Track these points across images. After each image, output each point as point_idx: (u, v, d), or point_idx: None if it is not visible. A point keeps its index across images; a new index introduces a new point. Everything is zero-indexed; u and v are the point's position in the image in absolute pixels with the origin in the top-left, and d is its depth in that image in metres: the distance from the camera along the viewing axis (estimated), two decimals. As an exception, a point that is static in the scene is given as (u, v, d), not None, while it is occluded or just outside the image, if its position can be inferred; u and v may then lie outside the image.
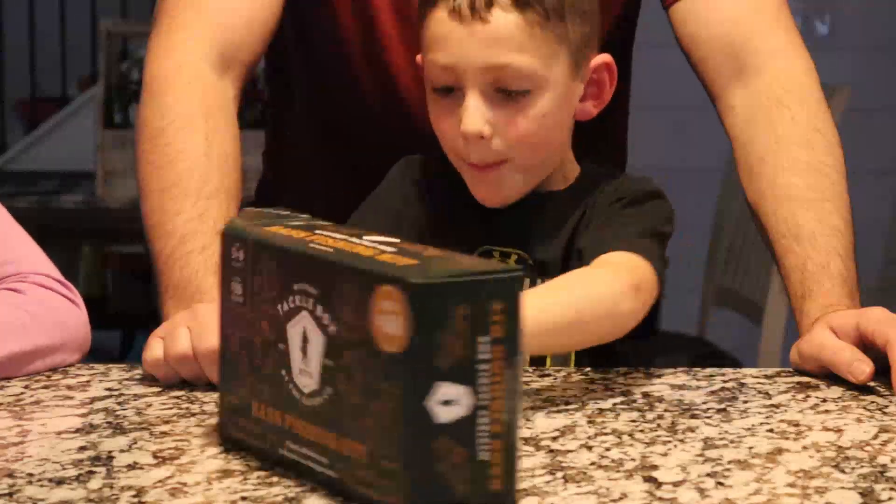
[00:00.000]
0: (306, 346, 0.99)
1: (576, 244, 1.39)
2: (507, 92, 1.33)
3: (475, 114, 1.33)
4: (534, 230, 1.41)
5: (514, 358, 0.93)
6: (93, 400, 1.26)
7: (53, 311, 1.37)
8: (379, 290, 0.92)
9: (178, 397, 1.26)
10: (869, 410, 1.23)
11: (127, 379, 1.33)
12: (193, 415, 1.20)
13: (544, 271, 1.38)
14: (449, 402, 0.91)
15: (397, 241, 1.00)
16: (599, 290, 1.27)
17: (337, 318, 0.97)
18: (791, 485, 1.02)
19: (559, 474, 1.03)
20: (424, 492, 0.91)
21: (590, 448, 1.10)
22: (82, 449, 1.10)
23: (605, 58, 1.39)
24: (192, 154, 1.43)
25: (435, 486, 0.91)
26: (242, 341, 1.07)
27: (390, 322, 0.91)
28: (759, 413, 1.22)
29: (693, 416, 1.20)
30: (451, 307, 0.91)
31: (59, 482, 1.02)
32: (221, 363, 1.10)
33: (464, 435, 0.92)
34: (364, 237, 1.01)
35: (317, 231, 1.04)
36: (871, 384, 1.29)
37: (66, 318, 1.38)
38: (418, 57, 1.42)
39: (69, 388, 1.30)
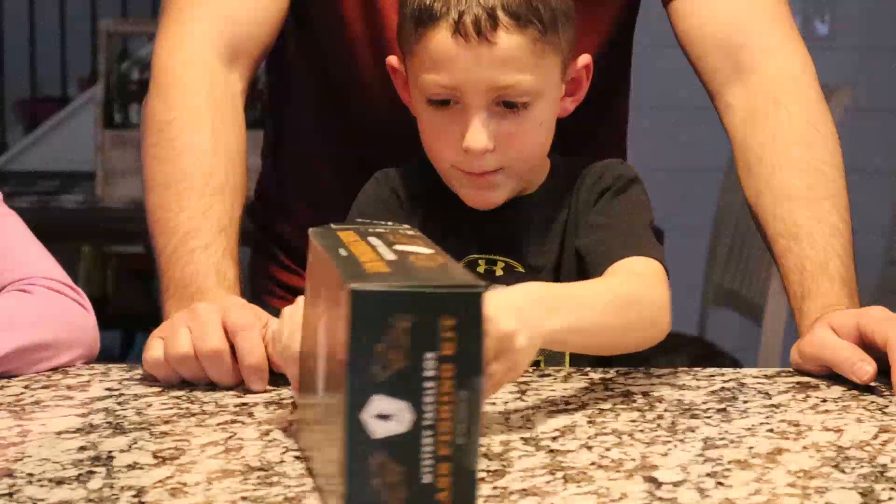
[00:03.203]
0: (322, 351, 0.99)
1: (568, 246, 1.40)
2: (508, 104, 1.34)
3: (481, 130, 1.34)
4: (521, 236, 1.41)
5: (472, 379, 0.88)
6: (93, 400, 1.26)
7: (61, 312, 1.37)
8: (340, 297, 0.90)
9: (178, 397, 1.26)
10: (869, 410, 1.23)
11: (127, 379, 1.33)
12: (193, 415, 1.20)
13: (538, 277, 1.38)
14: (387, 416, 0.87)
15: (427, 251, 0.98)
16: (651, 297, 1.29)
17: (328, 325, 0.96)
18: (791, 485, 1.02)
19: (559, 474, 1.03)
20: None
21: (590, 448, 1.10)
22: (82, 449, 1.10)
23: (586, 59, 1.41)
24: (197, 149, 1.43)
25: (372, 502, 0.88)
26: (305, 344, 1.07)
27: (342, 328, 0.89)
28: (759, 413, 1.22)
29: (693, 416, 1.20)
30: (391, 317, 0.87)
31: (59, 482, 1.02)
32: (300, 367, 1.10)
33: (403, 453, 0.88)
34: (396, 246, 0.99)
35: (368, 237, 1.02)
36: (872, 384, 1.29)
37: (73, 320, 1.38)
38: (391, 58, 1.42)
39: (69, 388, 1.30)
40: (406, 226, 1.12)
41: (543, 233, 1.41)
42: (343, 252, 0.98)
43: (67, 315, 1.38)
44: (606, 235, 1.37)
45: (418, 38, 1.35)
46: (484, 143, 1.34)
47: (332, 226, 1.09)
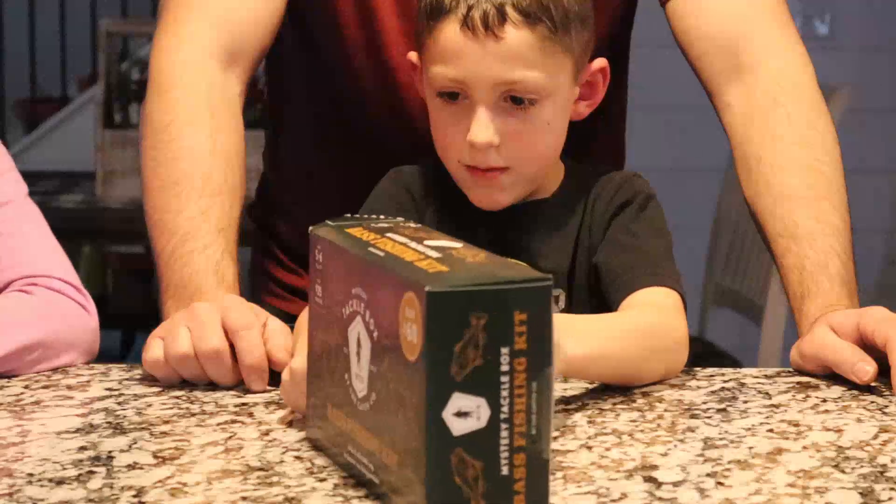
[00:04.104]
0: (360, 350, 0.99)
1: (581, 253, 1.40)
2: (514, 100, 1.34)
3: (487, 125, 1.34)
4: (534, 239, 1.41)
5: (542, 371, 0.91)
6: (93, 400, 1.26)
7: (60, 312, 1.37)
8: (404, 298, 0.91)
9: (178, 397, 1.26)
10: (869, 410, 1.23)
11: (127, 379, 1.33)
12: (193, 415, 1.20)
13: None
14: (465, 413, 0.89)
15: (458, 245, 0.99)
16: (669, 329, 1.33)
17: (378, 324, 0.96)
18: (791, 485, 1.02)
19: (559, 474, 1.03)
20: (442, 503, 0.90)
21: (590, 448, 1.10)
22: (82, 449, 1.10)
23: (602, 62, 1.41)
24: (195, 151, 1.43)
25: (453, 498, 0.90)
26: (322, 343, 1.07)
27: (411, 330, 0.90)
28: (759, 413, 1.22)
29: (693, 416, 1.20)
30: (468, 316, 0.89)
31: (59, 482, 1.02)
32: (308, 363, 1.11)
33: (482, 448, 0.90)
34: (426, 241, 1.00)
35: (387, 234, 1.03)
36: (872, 384, 1.29)
37: (73, 321, 1.38)
38: (412, 54, 1.42)
39: (69, 388, 1.30)
40: (400, 218, 1.13)
41: (556, 236, 1.41)
42: (376, 251, 0.99)
43: (66, 318, 1.38)
44: (628, 260, 1.37)
45: (429, 32, 1.36)
46: (488, 137, 1.34)
47: (330, 222, 1.10)
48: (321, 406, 1.08)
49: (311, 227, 1.10)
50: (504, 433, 0.90)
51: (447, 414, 0.89)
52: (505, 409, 0.90)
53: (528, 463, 0.91)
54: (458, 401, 0.89)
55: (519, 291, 0.90)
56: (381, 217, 1.12)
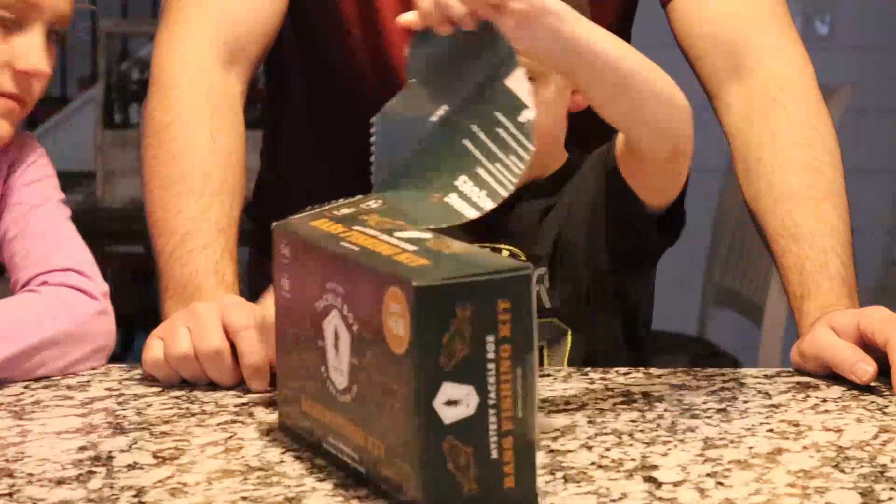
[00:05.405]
0: (338, 343, 1.01)
1: (564, 236, 1.40)
2: None
3: None
4: (523, 224, 1.41)
5: (526, 356, 0.93)
6: (93, 400, 1.26)
7: (65, 307, 1.34)
8: (387, 292, 0.93)
9: (178, 397, 1.26)
10: (869, 410, 1.23)
11: (127, 379, 1.33)
12: (193, 415, 1.20)
13: (536, 266, 1.39)
14: (455, 402, 0.91)
15: (429, 236, 1.00)
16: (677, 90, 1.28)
17: (358, 317, 0.97)
18: (791, 485, 1.02)
19: (559, 474, 1.03)
20: (438, 491, 0.92)
21: (590, 448, 1.10)
22: (82, 449, 1.10)
23: None
24: (196, 150, 1.43)
25: (447, 485, 0.92)
26: (294, 336, 1.08)
27: (397, 323, 0.92)
28: (759, 413, 1.22)
29: (693, 416, 1.20)
30: (454, 308, 0.91)
31: (59, 482, 1.02)
32: (278, 357, 1.12)
33: (472, 434, 0.92)
34: (395, 233, 1.01)
35: (355, 227, 1.04)
36: (872, 384, 1.29)
37: (77, 314, 1.35)
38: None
39: (69, 388, 1.30)
40: (359, 196, 1.13)
41: (542, 222, 1.42)
42: (350, 246, 1.00)
43: (71, 310, 1.35)
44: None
45: None
46: None
47: (292, 218, 1.11)
48: (295, 398, 1.09)
49: (273, 224, 1.11)
50: (492, 418, 0.92)
51: (438, 403, 0.91)
52: (492, 395, 0.92)
53: (515, 445, 0.93)
54: (448, 390, 0.91)
55: (502, 281, 0.92)
56: (341, 200, 1.13)
